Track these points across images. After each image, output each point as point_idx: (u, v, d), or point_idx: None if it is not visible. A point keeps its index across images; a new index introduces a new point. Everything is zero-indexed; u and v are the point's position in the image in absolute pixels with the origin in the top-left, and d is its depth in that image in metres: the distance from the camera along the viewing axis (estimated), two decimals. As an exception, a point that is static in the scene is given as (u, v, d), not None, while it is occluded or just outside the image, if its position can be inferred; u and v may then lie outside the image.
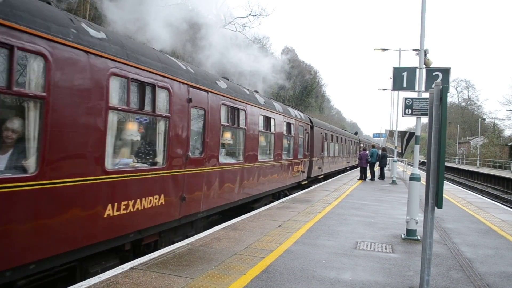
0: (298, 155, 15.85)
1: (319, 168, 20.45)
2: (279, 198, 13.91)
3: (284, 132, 13.79)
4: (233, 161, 9.84)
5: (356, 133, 50.58)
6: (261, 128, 11.49)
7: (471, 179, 41.64)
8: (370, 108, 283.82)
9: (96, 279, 4.83)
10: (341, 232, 8.35)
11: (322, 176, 22.24)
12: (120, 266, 5.39)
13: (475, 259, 6.80)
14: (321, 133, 20.71)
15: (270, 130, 12.26)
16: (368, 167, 23.09)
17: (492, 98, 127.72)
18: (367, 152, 23.03)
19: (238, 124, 9.89)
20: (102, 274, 5.06)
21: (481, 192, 28.16)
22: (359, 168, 23.67)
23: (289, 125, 14.50)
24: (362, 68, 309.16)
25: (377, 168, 24.29)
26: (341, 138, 28.66)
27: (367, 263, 6.21)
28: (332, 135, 24.37)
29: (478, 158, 55.30)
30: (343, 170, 31.56)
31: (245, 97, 10.37)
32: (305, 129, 17.22)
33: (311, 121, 18.85)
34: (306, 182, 18.14)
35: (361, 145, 39.87)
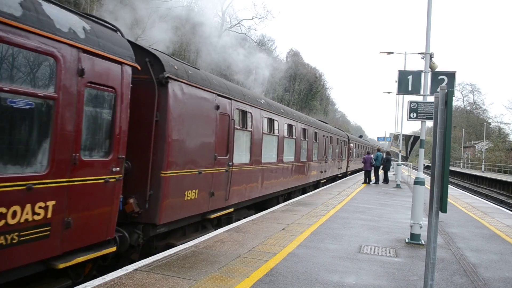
0: None
1: (173, 209, 7.14)
2: None
3: None
4: None
5: (360, 136, 50.28)
6: None
7: (476, 184, 41.41)
8: (375, 112, 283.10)
9: (100, 280, 4.85)
10: (345, 236, 8.33)
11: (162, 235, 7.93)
12: (124, 268, 5.42)
13: (479, 264, 6.77)
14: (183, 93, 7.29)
15: None
16: (372, 171, 23.04)
17: (497, 102, 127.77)
18: (372, 155, 23.01)
19: None
20: (106, 275, 5.08)
21: (486, 196, 27.97)
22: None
23: None
24: (367, 71, 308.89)
25: (381, 172, 24.22)
26: (304, 129, 16.05)
27: (370, 267, 6.19)
28: (261, 115, 11.07)
29: (483, 163, 55.02)
30: (315, 185, 19.85)
31: None
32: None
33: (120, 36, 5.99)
34: None
35: (351, 144, 30.73)
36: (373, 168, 22.88)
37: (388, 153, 25.94)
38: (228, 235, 7.69)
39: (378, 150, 24.89)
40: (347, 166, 29.43)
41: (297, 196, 15.39)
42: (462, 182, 44.31)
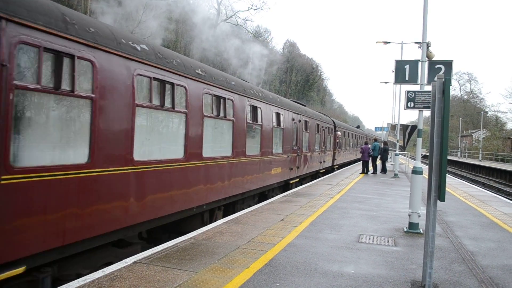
0: None
1: None
2: None
3: None
4: None
5: (358, 127, 50.25)
6: None
7: (473, 173, 41.59)
8: (372, 102, 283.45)
9: (100, 273, 4.86)
10: (343, 226, 8.36)
11: None
12: (123, 260, 5.43)
13: (478, 252, 6.81)
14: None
15: None
16: (370, 161, 23.10)
17: (494, 91, 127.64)
18: (369, 145, 23.06)
19: None
20: (106, 268, 5.10)
21: (483, 185, 28.14)
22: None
23: None
24: (364, 62, 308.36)
25: (378, 162, 24.27)
26: (255, 107, 10.73)
27: (369, 257, 6.22)
28: (132, 72, 5.63)
29: (480, 151, 55.18)
30: (284, 186, 14.70)
31: None
32: None
33: None
34: None
35: (338, 132, 25.27)
36: (371, 158, 22.95)
37: (385, 143, 25.97)
38: (227, 227, 7.71)
39: (375, 140, 24.93)
40: (334, 159, 24.03)
41: (249, 207, 10.74)
42: (460, 171, 44.50)
